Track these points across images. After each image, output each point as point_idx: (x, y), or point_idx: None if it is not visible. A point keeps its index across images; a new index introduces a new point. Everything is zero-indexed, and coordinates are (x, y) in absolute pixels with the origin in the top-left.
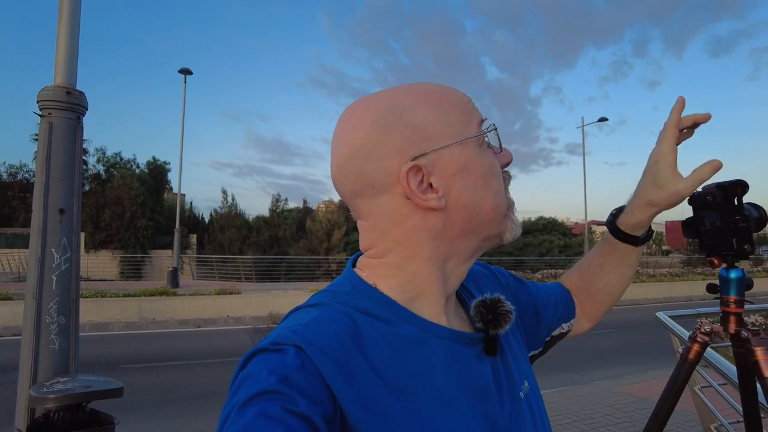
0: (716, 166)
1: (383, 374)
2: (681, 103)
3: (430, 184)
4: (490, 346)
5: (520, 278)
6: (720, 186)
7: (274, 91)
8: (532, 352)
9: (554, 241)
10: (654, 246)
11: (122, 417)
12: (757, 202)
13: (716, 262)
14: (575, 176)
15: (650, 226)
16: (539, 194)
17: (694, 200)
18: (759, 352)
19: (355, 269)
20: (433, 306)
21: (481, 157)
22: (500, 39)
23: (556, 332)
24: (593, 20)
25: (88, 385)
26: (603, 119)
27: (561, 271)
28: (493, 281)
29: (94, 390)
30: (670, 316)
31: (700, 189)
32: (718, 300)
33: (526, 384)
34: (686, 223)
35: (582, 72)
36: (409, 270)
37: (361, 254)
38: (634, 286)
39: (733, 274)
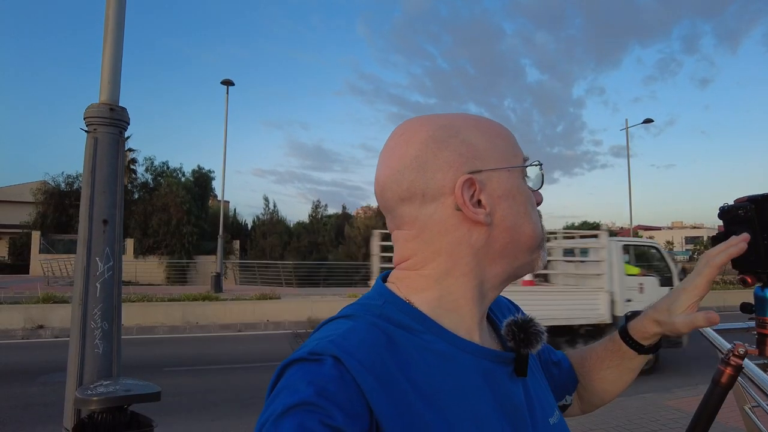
0: (712, 321)
1: (418, 387)
2: (738, 248)
3: (479, 201)
4: (521, 367)
5: None
6: (752, 199)
7: (315, 100)
8: None
9: None
10: None
11: (164, 418)
12: None
13: (749, 280)
14: (620, 179)
15: (659, 340)
16: (583, 198)
17: (725, 214)
18: None
19: (386, 284)
20: (467, 323)
21: (525, 188)
22: (540, 40)
23: (560, 402)
24: (637, 17)
25: (129, 388)
26: (648, 120)
27: None
28: None
29: (133, 393)
30: (715, 329)
31: (731, 202)
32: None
33: (556, 413)
34: (716, 239)
35: (626, 72)
36: (446, 284)
37: (390, 272)
38: None
39: None
